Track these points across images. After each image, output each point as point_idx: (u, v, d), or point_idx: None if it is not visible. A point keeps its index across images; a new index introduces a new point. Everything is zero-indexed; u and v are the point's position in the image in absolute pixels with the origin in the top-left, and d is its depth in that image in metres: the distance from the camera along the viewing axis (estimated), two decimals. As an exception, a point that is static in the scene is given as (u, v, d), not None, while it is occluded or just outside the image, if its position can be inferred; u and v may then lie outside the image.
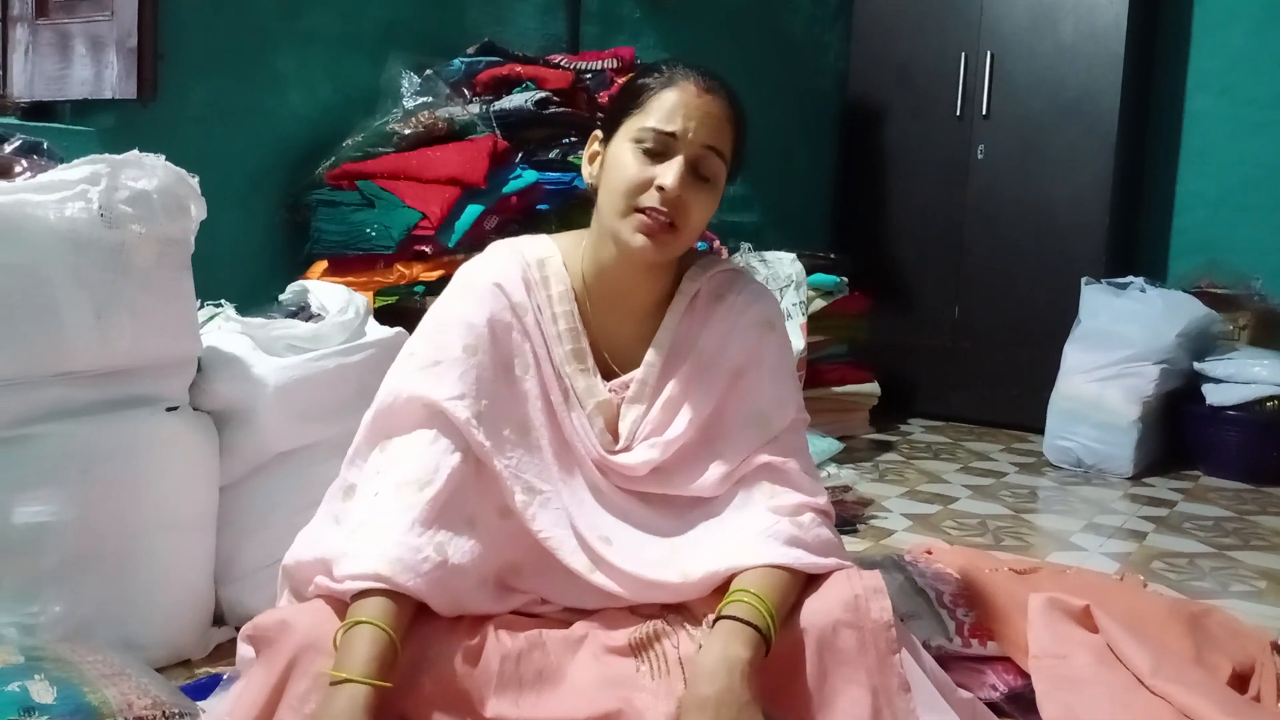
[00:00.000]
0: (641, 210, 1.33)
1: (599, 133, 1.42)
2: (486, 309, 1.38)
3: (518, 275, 1.42)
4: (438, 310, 1.42)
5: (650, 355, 1.44)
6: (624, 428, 1.43)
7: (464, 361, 1.36)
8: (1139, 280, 4.11)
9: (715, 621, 1.25)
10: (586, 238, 1.45)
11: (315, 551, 1.33)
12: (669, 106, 1.34)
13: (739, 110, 1.39)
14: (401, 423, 1.36)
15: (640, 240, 1.33)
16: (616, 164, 1.36)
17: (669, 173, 1.31)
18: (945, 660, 1.68)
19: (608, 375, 1.44)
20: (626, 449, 1.43)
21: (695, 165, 1.34)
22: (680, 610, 1.36)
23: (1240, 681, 1.82)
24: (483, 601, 1.32)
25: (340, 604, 1.26)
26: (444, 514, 1.29)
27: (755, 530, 1.34)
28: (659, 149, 1.33)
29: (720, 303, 1.46)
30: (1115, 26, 4.30)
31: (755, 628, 1.22)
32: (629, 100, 1.38)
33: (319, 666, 1.20)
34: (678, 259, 1.45)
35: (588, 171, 1.43)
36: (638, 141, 1.34)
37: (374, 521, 1.28)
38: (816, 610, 1.28)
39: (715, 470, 1.41)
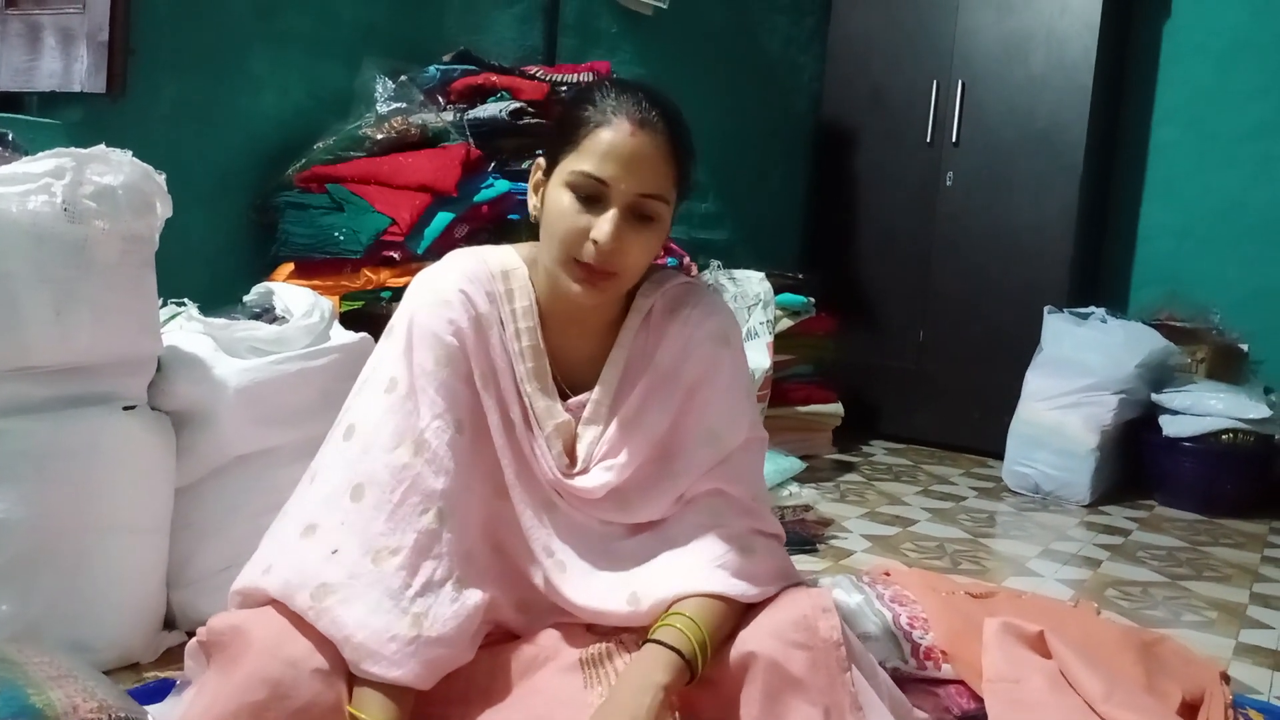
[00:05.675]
0: (579, 262, 1.29)
1: (541, 161, 1.38)
2: (451, 318, 1.34)
3: (482, 286, 1.37)
4: (403, 324, 1.36)
5: (606, 374, 1.41)
6: (581, 449, 1.40)
7: (436, 376, 1.32)
8: (1100, 311, 4.17)
9: (644, 643, 1.25)
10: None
11: (271, 589, 1.26)
12: (602, 149, 1.27)
13: (679, 139, 1.32)
14: (374, 458, 1.30)
15: (577, 290, 1.31)
16: (554, 208, 1.31)
17: (603, 227, 1.27)
18: (901, 682, 1.68)
19: (561, 395, 1.41)
20: (584, 471, 1.39)
21: (632, 211, 1.29)
22: (634, 629, 1.34)
23: (1190, 710, 1.84)
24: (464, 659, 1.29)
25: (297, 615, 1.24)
26: (420, 573, 1.26)
27: (706, 559, 1.32)
28: (593, 195, 1.28)
29: (674, 317, 1.41)
30: (1084, 59, 4.36)
31: (680, 654, 1.22)
32: (566, 134, 1.32)
33: (274, 674, 1.18)
34: None
35: (532, 202, 1.38)
36: (573, 186, 1.29)
37: (343, 593, 1.23)
38: (766, 629, 1.27)
39: (670, 493, 1.39)
